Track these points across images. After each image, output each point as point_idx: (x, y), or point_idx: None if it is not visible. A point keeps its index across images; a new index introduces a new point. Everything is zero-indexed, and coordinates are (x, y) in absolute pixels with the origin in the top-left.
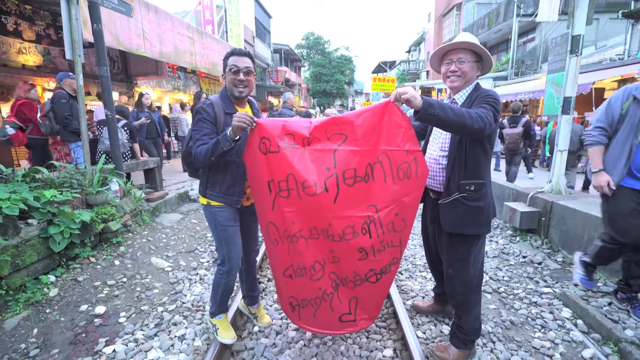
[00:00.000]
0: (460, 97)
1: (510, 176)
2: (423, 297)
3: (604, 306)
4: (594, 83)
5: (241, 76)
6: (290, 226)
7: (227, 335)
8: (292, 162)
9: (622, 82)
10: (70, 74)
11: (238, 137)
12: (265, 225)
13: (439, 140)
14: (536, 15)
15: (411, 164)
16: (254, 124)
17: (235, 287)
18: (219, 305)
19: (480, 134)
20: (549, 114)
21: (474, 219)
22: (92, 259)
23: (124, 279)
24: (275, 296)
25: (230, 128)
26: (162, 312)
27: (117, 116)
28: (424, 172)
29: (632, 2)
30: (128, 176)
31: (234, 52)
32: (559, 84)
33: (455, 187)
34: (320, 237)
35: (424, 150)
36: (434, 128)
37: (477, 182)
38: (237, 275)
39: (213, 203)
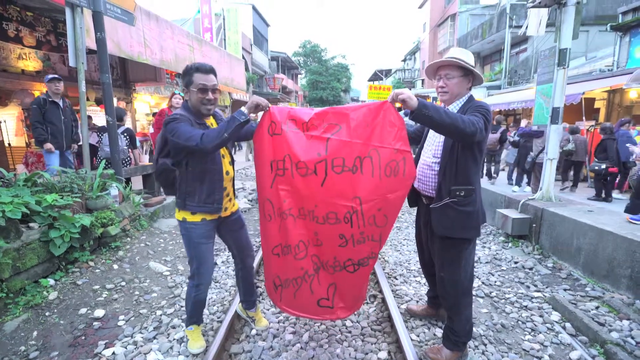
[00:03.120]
0: (454, 108)
1: (489, 173)
2: (417, 301)
3: (592, 310)
4: (583, 93)
5: (209, 95)
6: (282, 204)
7: (194, 346)
8: (290, 144)
9: (612, 92)
10: (48, 75)
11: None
12: (263, 202)
13: (432, 147)
14: (526, 28)
15: (399, 162)
16: (267, 108)
17: (233, 291)
18: (190, 316)
19: (471, 139)
20: (539, 124)
21: (464, 223)
22: (91, 263)
23: (123, 283)
24: None
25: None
26: (161, 315)
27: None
28: (411, 172)
29: (620, 16)
30: (127, 181)
31: (199, 69)
32: (548, 95)
33: (447, 192)
34: (306, 219)
35: (418, 156)
36: (428, 135)
37: (467, 187)
38: (236, 279)
39: (189, 219)
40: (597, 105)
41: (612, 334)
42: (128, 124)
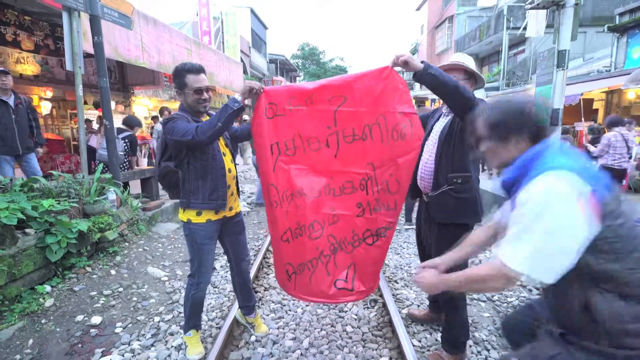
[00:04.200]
0: None
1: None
2: (418, 306)
3: None
4: (582, 94)
5: (204, 95)
6: (293, 183)
7: (193, 352)
8: (297, 122)
9: (610, 93)
10: None
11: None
12: (267, 189)
13: (434, 145)
14: (524, 29)
15: (406, 125)
16: (262, 90)
17: (232, 297)
18: (189, 319)
19: (470, 104)
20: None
21: (461, 209)
22: (88, 269)
23: (120, 289)
24: (272, 305)
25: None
26: (159, 322)
27: (123, 127)
28: (418, 134)
29: (617, 17)
30: (125, 185)
31: (190, 70)
32: (547, 96)
33: (444, 180)
34: (321, 195)
35: (420, 155)
36: (430, 134)
37: (464, 174)
38: (233, 285)
39: (194, 220)
40: (595, 106)
41: None
42: None
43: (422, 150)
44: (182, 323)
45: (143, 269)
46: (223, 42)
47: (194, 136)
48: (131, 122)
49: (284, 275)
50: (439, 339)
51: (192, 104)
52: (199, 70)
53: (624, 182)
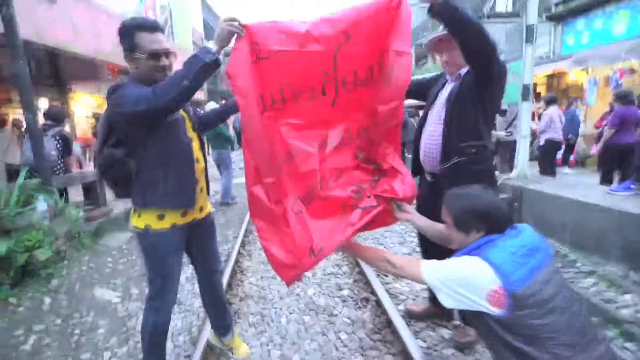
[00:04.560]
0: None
1: None
2: (413, 299)
3: (590, 287)
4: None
5: (164, 61)
6: (287, 143)
7: None
8: (287, 68)
9: (550, 77)
10: None
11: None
12: (269, 152)
13: (441, 113)
14: (492, 8)
15: (395, 67)
16: (243, 31)
17: (202, 314)
18: (148, 354)
19: (491, 52)
20: (509, 102)
21: (477, 183)
22: (12, 301)
23: (57, 321)
24: (251, 318)
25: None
26: (110, 358)
27: (49, 122)
28: (405, 80)
29: (553, 7)
30: (62, 193)
31: (141, 26)
32: (517, 72)
33: (455, 152)
34: (321, 150)
35: (421, 130)
36: (435, 101)
37: (479, 143)
38: (202, 302)
39: (154, 226)
40: (538, 89)
41: (621, 311)
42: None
43: (425, 122)
44: (141, 357)
45: (88, 293)
46: (172, 33)
47: (150, 101)
48: (57, 115)
49: (306, 255)
50: (445, 335)
51: (146, 73)
52: (154, 27)
53: (561, 154)
